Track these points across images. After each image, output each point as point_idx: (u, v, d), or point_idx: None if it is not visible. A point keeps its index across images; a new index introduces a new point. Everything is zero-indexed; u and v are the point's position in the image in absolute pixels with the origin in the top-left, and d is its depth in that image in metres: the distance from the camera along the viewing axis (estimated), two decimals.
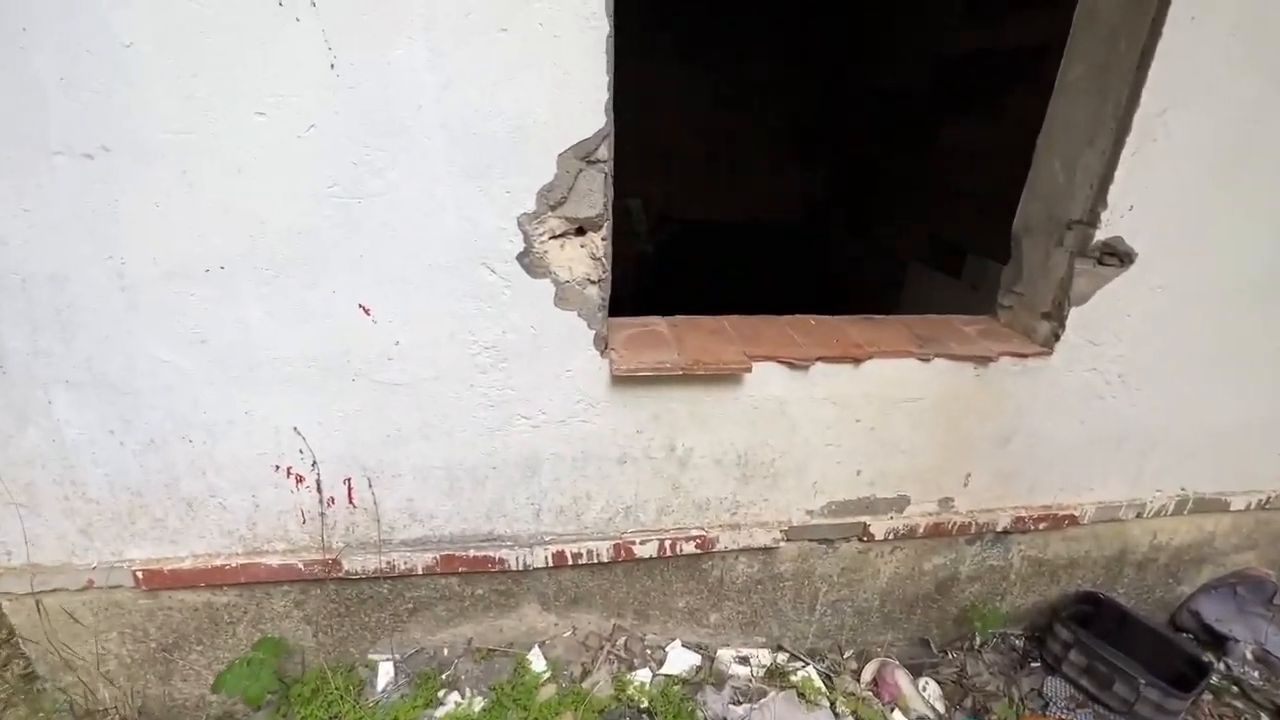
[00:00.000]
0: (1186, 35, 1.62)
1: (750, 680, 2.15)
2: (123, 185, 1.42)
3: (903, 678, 2.22)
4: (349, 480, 1.81)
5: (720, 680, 2.13)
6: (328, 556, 1.87)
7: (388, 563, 1.90)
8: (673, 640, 2.23)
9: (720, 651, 2.23)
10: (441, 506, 1.89)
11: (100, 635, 1.87)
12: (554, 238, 1.61)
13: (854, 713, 2.08)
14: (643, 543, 2.01)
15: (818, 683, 2.17)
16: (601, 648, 2.15)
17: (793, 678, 2.17)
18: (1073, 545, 2.37)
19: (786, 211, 5.78)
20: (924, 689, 2.23)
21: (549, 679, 2.02)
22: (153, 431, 1.66)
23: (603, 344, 1.75)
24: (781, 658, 2.26)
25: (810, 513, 2.10)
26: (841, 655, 2.35)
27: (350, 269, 1.56)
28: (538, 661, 2.06)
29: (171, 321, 1.55)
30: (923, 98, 4.10)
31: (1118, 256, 1.87)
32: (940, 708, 2.19)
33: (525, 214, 1.57)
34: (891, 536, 2.16)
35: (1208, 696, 2.30)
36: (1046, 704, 2.23)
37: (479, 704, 1.96)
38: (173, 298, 1.53)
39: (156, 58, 1.33)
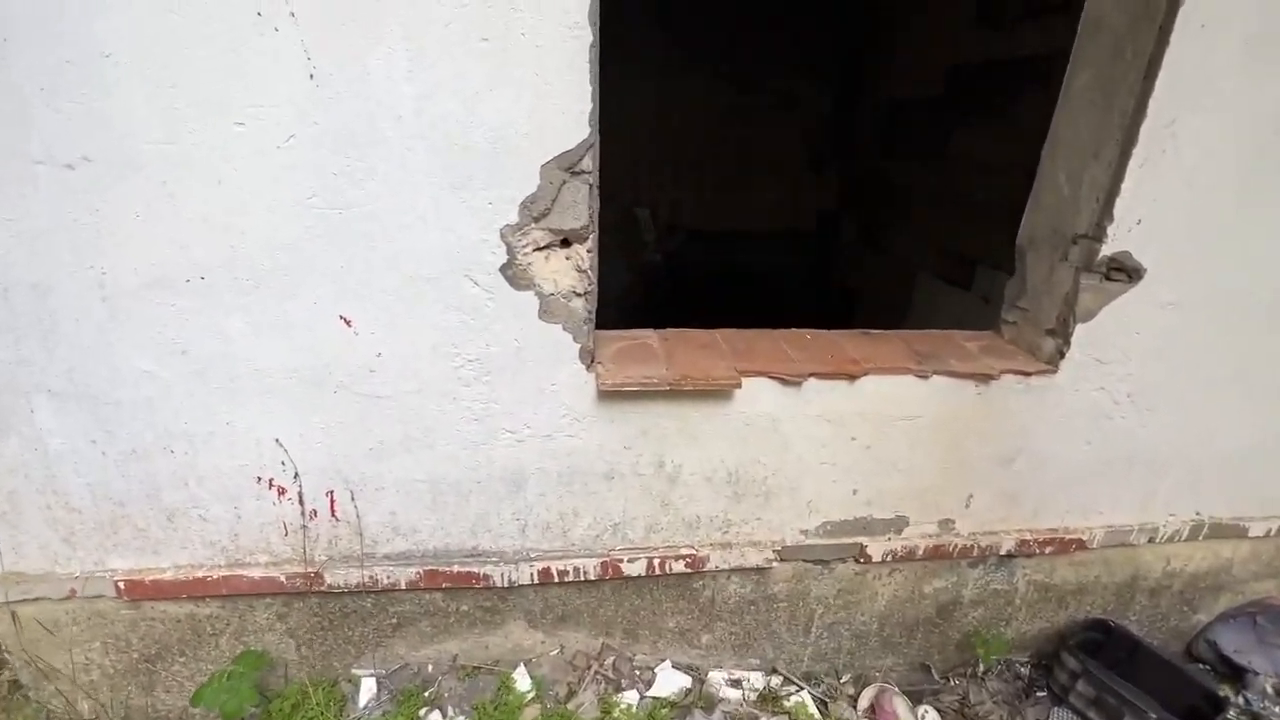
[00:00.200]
0: (1196, 43, 1.56)
1: (742, 704, 2.09)
2: (104, 195, 1.42)
3: (901, 705, 2.14)
4: (331, 493, 1.79)
5: (710, 704, 2.07)
6: (310, 569, 1.84)
7: (370, 577, 1.87)
8: (663, 661, 2.17)
9: (712, 673, 2.17)
10: (425, 520, 1.86)
11: (83, 645, 1.86)
12: (538, 249, 1.59)
13: None
14: (631, 560, 1.97)
15: (812, 709, 2.10)
16: (589, 667, 2.10)
17: (786, 703, 2.10)
18: (1081, 570, 2.28)
19: (797, 221, 5.73)
20: (924, 717, 2.15)
21: (533, 699, 1.97)
22: (134, 441, 1.65)
23: (589, 358, 1.71)
24: (775, 681, 2.19)
25: (805, 532, 2.04)
26: (838, 680, 2.27)
27: (331, 280, 1.55)
28: (522, 680, 2.02)
29: (152, 332, 1.54)
30: (934, 107, 4.05)
31: (1125, 272, 1.80)
32: None
33: (508, 225, 1.54)
34: (890, 558, 2.08)
35: None
36: None
37: None
38: (153, 308, 1.52)
39: (136, 68, 1.33)
